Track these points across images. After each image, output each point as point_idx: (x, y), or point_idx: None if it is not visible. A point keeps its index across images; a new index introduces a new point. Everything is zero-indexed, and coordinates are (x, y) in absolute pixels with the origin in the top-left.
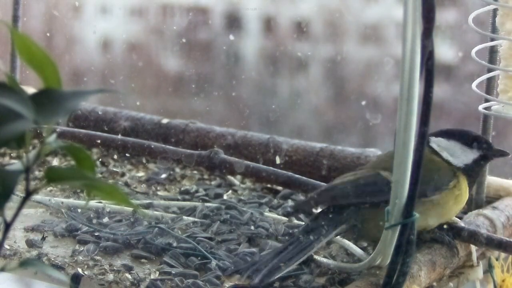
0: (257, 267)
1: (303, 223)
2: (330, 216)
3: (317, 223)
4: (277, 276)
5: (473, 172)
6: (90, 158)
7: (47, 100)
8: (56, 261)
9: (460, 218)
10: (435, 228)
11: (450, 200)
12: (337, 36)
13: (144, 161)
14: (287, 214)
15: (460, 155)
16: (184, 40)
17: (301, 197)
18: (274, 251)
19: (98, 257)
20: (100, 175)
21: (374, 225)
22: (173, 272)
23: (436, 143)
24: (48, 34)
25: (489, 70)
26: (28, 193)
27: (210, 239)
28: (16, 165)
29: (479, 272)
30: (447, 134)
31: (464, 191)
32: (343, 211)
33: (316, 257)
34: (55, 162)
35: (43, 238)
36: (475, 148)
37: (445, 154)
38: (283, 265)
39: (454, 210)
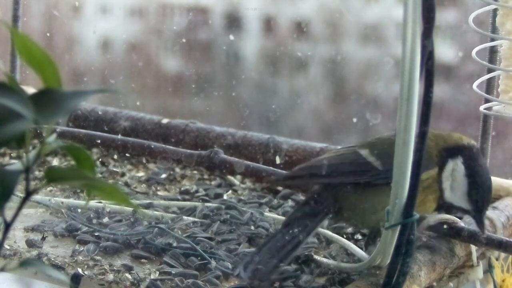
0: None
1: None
2: (314, 204)
3: (303, 214)
4: (269, 272)
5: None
6: (90, 158)
7: (47, 100)
8: (56, 261)
9: (460, 218)
10: (437, 210)
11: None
12: (337, 36)
13: (144, 161)
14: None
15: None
16: (184, 40)
17: (301, 197)
18: (268, 248)
19: (98, 257)
20: (100, 175)
21: (357, 208)
22: (173, 272)
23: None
24: (48, 34)
25: (490, 70)
26: (28, 193)
27: (210, 239)
28: (16, 165)
29: (479, 272)
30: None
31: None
32: (325, 199)
33: (316, 257)
34: (55, 162)
35: (43, 238)
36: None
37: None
38: (275, 261)
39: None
